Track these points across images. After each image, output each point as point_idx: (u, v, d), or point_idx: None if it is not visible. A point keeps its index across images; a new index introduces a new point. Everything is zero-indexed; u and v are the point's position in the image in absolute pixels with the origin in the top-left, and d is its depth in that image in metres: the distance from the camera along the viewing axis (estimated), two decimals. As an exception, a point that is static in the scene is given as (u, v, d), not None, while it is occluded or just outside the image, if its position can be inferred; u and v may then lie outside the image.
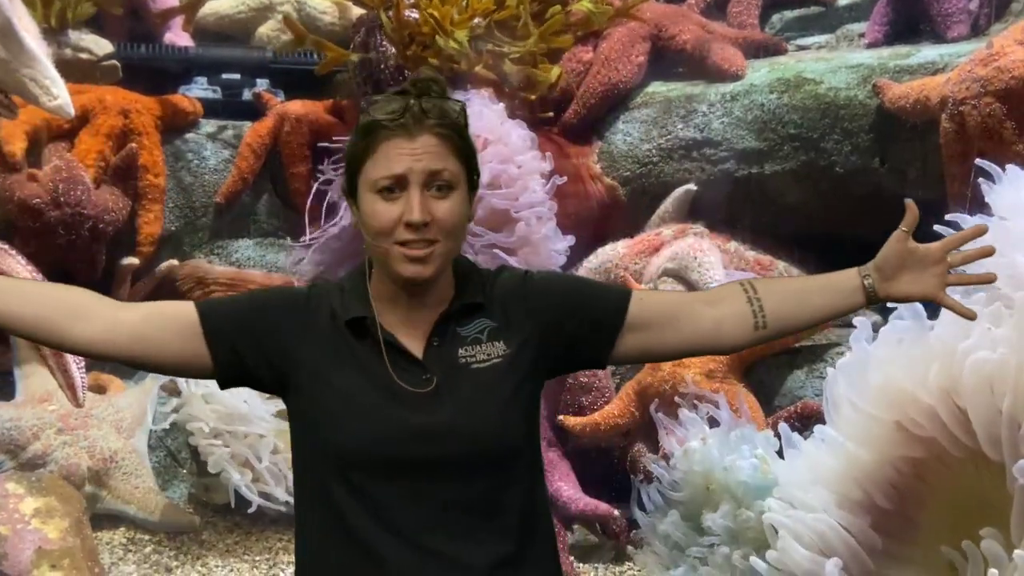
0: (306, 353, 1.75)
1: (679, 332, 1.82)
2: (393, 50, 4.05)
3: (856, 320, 2.44)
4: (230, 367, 1.77)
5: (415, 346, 1.74)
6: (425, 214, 1.68)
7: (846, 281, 1.86)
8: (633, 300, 1.81)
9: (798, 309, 1.86)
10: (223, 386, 1.84)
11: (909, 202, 1.87)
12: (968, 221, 2.64)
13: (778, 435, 2.88)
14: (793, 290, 1.90)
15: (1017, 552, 2.11)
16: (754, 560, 2.60)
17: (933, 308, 2.12)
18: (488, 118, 3.93)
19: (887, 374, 2.46)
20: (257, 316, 1.78)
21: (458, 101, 1.76)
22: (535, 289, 1.81)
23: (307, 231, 4.07)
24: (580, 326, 1.80)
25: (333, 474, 1.72)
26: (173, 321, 1.76)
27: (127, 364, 1.85)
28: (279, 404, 3.70)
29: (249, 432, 3.57)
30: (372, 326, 1.74)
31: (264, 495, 3.60)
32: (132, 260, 4.15)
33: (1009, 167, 2.69)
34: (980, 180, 2.75)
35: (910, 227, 1.84)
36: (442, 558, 1.69)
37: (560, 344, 1.79)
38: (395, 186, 1.69)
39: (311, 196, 4.11)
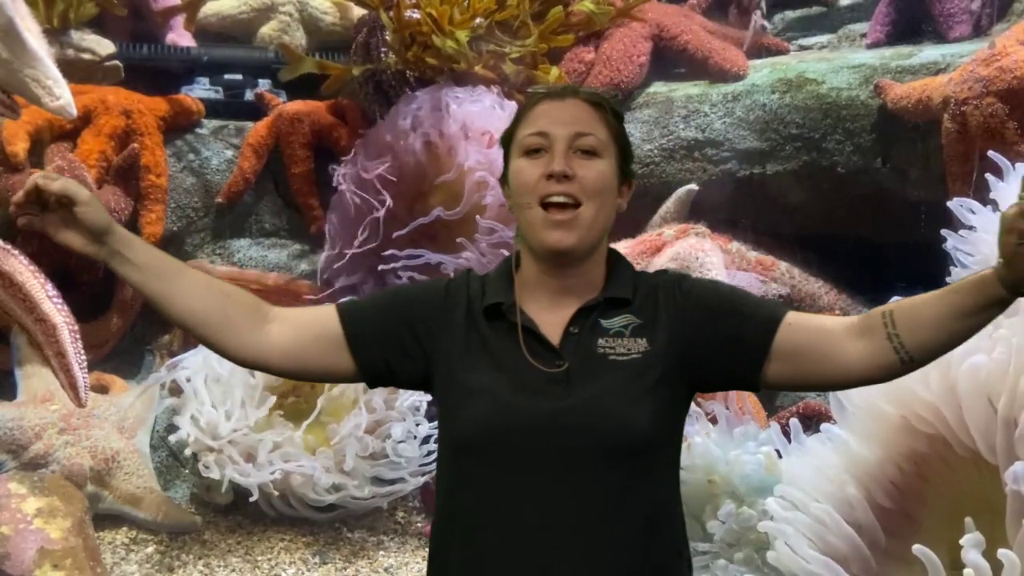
0: (442, 346, 1.74)
1: (824, 367, 1.69)
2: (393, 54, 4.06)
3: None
4: (375, 371, 1.79)
5: (553, 333, 1.70)
6: (567, 167, 1.66)
7: (980, 274, 1.62)
8: (781, 328, 1.70)
9: (938, 327, 1.63)
10: (372, 386, 1.88)
11: None
12: (973, 207, 2.65)
13: (785, 433, 2.89)
14: (928, 307, 1.64)
15: (1002, 551, 2.11)
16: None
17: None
18: (498, 115, 3.94)
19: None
20: (396, 317, 1.78)
21: (616, 95, 1.75)
22: (689, 295, 1.74)
23: (330, 245, 4.09)
24: (724, 344, 1.71)
25: (458, 465, 1.71)
26: (320, 336, 1.78)
27: (278, 376, 1.91)
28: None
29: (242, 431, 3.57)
30: (509, 311, 1.71)
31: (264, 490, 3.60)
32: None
33: (1018, 165, 2.70)
34: (987, 175, 2.76)
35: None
36: (561, 556, 1.63)
37: (704, 356, 1.71)
38: (541, 145, 1.69)
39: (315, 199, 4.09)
